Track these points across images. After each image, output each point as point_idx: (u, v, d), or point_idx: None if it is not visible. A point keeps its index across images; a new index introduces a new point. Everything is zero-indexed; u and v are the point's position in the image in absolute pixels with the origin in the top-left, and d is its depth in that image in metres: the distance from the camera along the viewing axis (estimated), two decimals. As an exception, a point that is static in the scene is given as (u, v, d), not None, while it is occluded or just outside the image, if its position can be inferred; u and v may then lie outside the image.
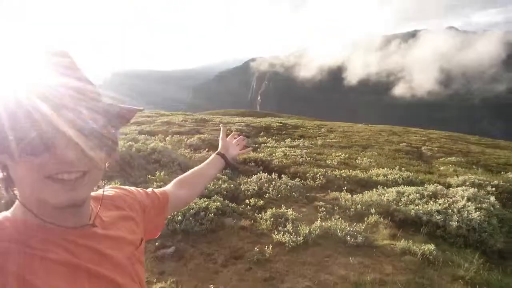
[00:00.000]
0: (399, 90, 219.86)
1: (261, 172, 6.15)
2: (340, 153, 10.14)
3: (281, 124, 18.26)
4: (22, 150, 0.53)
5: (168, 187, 1.06)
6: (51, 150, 0.54)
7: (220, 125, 1.51)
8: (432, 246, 3.49)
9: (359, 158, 9.82)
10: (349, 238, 3.65)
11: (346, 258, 3.36)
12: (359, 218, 4.47)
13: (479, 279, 3.00)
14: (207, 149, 8.68)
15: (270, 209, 4.34)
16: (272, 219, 4.10)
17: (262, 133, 14.28)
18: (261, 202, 4.81)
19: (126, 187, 0.88)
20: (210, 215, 3.98)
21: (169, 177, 5.15)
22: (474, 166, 9.87)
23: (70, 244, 0.62)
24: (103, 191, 0.77)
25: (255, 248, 3.45)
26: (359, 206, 4.82)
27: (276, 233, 3.75)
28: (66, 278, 0.59)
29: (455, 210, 4.50)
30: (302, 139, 13.62)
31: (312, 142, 12.89)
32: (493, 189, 6.03)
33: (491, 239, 4.10)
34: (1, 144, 0.53)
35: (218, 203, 4.32)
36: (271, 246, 3.44)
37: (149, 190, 0.94)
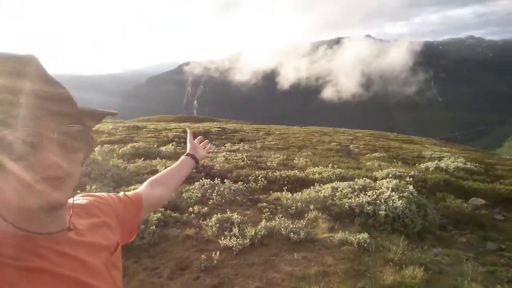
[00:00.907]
0: (328, 93, 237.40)
1: (203, 178, 6.06)
2: (278, 155, 10.52)
3: (220, 129, 18.24)
4: (9, 155, 0.53)
5: (141, 188, 1.08)
6: (37, 154, 0.55)
7: (187, 128, 1.56)
8: (365, 235, 3.84)
9: (296, 158, 10.31)
10: (292, 235, 3.82)
11: (291, 254, 3.50)
12: (300, 215, 4.70)
13: (405, 259, 3.39)
14: (143, 158, 8.22)
15: (215, 215, 4.30)
16: (217, 224, 4.06)
17: (201, 139, 14.07)
18: (205, 208, 4.74)
19: (98, 193, 0.88)
20: (151, 227, 3.79)
21: (101, 191, 4.75)
22: (394, 160, 11.12)
23: (46, 251, 0.61)
24: (73, 199, 0.76)
25: (202, 256, 3.39)
26: (299, 204, 5.07)
27: (222, 238, 3.73)
28: (44, 286, 0.58)
29: (382, 200, 5.03)
30: (242, 143, 13.79)
31: (252, 145, 13.15)
32: (411, 179, 6.89)
33: (412, 223, 4.68)
34: None
35: (159, 214, 4.13)
36: (218, 252, 3.41)
37: (121, 194, 0.95)
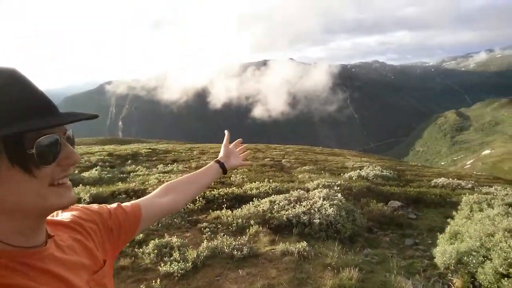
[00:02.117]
0: (258, 112, 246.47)
1: (135, 203, 5.65)
2: (214, 173, 10.42)
3: (150, 150, 17.32)
4: (36, 161, 0.55)
5: (151, 194, 1.03)
6: (59, 157, 0.59)
7: (225, 130, 1.32)
8: (304, 244, 4.01)
9: (232, 175, 10.35)
10: (236, 252, 3.79)
11: (236, 272, 3.46)
12: (242, 231, 4.70)
13: (341, 263, 3.63)
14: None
15: (152, 241, 4.03)
16: (155, 251, 3.81)
17: (129, 161, 13.16)
18: (141, 235, 4.41)
19: (88, 205, 0.84)
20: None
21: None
22: (322, 172, 11.95)
23: (23, 267, 0.59)
24: (56, 214, 0.76)
25: (141, 286, 3.12)
26: (240, 220, 5.07)
27: (162, 264, 3.50)
28: None
29: (316, 209, 5.34)
30: (175, 163, 13.31)
31: (186, 166, 12.78)
32: (338, 188, 7.48)
33: (343, 228, 5.06)
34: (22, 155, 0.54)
35: (88, 246, 3.70)
36: (158, 280, 3.19)
37: (115, 205, 0.90)
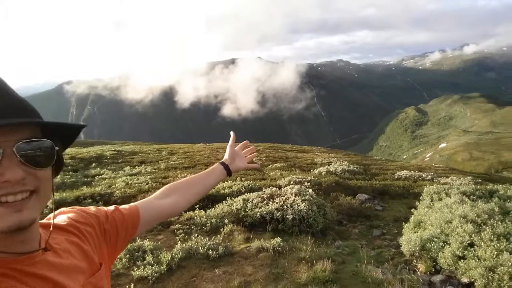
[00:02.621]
0: (228, 110, 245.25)
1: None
2: (185, 174, 10.26)
3: (115, 152, 16.65)
4: None
5: (152, 195, 1.00)
6: None
7: (231, 132, 1.26)
8: (279, 239, 4.08)
9: (204, 175, 10.24)
10: (211, 252, 3.76)
11: (212, 271, 3.44)
12: (216, 231, 4.68)
13: (315, 256, 3.74)
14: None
15: (122, 245, 3.88)
16: (127, 255, 3.69)
17: (93, 164, 12.58)
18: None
19: (85, 207, 0.82)
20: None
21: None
22: (293, 168, 12.18)
23: (18, 273, 0.57)
24: (53, 218, 0.72)
25: (113, 292, 3.01)
26: (213, 220, 5.04)
27: (135, 269, 3.40)
28: None
29: (289, 205, 5.44)
30: (143, 165, 12.91)
31: (155, 167, 12.45)
32: (309, 183, 7.68)
33: (315, 223, 5.20)
34: None
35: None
36: (132, 285, 3.09)
37: (112, 208, 0.88)
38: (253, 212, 5.35)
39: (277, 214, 5.22)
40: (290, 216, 5.14)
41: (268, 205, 5.51)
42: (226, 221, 5.00)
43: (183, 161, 14.62)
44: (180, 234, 4.54)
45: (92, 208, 0.84)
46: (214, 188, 7.57)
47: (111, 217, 0.85)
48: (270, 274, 3.34)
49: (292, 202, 5.54)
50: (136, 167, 12.34)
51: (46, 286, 0.60)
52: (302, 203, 5.43)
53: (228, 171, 1.17)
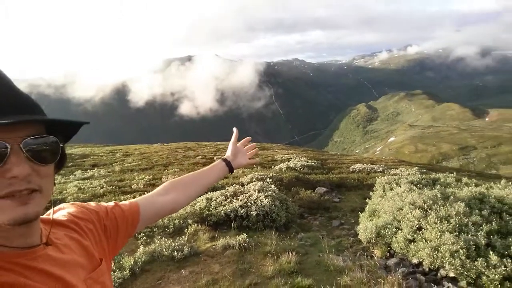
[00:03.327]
0: (185, 109, 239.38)
1: (54, 214, 5.04)
2: (143, 176, 9.91)
3: (65, 155, 15.50)
4: None
5: (153, 191, 1.00)
6: (2, 167, 0.53)
7: (234, 128, 1.24)
8: (244, 236, 4.13)
9: (164, 176, 9.96)
10: (176, 253, 3.70)
11: (178, 273, 3.39)
12: (180, 232, 4.60)
13: (279, 249, 3.85)
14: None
15: (79, 253, 3.66)
16: (85, 263, 3.48)
17: (41, 169, 11.62)
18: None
19: (86, 203, 0.82)
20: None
21: None
22: (254, 166, 12.31)
23: (19, 267, 0.58)
24: (52, 213, 0.73)
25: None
26: (176, 221, 4.94)
27: (95, 276, 3.22)
28: None
29: (252, 202, 5.51)
30: (96, 168, 12.21)
31: (109, 170, 11.83)
32: (271, 179, 7.83)
33: (278, 217, 5.33)
34: None
35: None
36: (92, 294, 2.93)
37: (112, 204, 0.88)
38: (217, 210, 5.34)
39: (242, 211, 5.26)
40: (254, 213, 5.21)
41: (232, 203, 5.54)
42: (190, 221, 4.93)
43: (139, 162, 14.05)
44: (142, 237, 4.38)
45: (92, 204, 0.84)
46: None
47: (111, 213, 0.85)
48: (237, 270, 3.37)
49: (256, 199, 5.62)
50: (88, 170, 11.63)
51: (47, 281, 0.61)
52: (265, 199, 5.53)
53: (230, 168, 1.18)
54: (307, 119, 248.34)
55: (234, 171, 1.20)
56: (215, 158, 15.61)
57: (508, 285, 2.84)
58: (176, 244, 3.90)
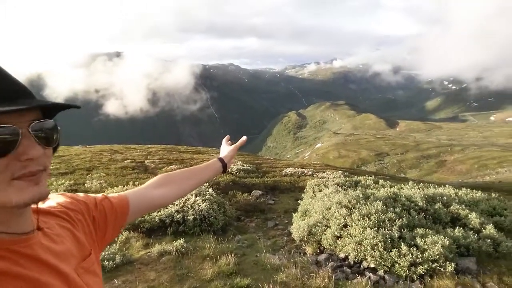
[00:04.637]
0: (112, 107, 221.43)
1: None
2: (63, 181, 8.96)
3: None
4: None
5: (145, 184, 1.00)
6: (16, 151, 0.55)
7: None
8: (181, 241, 4.03)
9: (87, 181, 9.13)
10: (107, 263, 3.44)
11: (110, 282, 3.15)
12: (110, 240, 4.28)
13: (218, 252, 3.86)
14: None
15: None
16: None
17: None
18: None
19: (75, 194, 0.82)
20: None
21: None
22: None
23: (13, 255, 0.58)
24: (42, 202, 0.73)
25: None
26: (105, 228, 4.58)
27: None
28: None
29: (189, 206, 5.41)
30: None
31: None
32: (207, 183, 7.76)
33: (216, 221, 5.33)
34: None
35: None
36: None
37: (100, 196, 0.87)
38: (150, 216, 5.10)
39: (178, 216, 5.13)
40: (191, 217, 5.12)
41: (167, 208, 5.35)
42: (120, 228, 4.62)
43: (58, 166, 12.57)
44: (65, 248, 3.96)
45: (80, 195, 0.83)
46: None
47: (100, 205, 0.83)
48: (175, 276, 3.28)
49: (193, 203, 5.53)
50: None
51: (41, 268, 0.61)
52: (203, 203, 5.49)
53: (224, 169, 1.21)
54: (242, 124, 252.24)
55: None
56: (146, 162, 14.82)
57: (413, 269, 3.34)
58: (107, 253, 3.63)
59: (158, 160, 15.36)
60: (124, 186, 7.64)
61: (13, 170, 0.56)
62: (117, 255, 3.59)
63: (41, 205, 0.73)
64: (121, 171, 12.02)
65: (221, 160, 1.22)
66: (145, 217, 5.09)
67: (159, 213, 5.17)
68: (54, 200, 0.78)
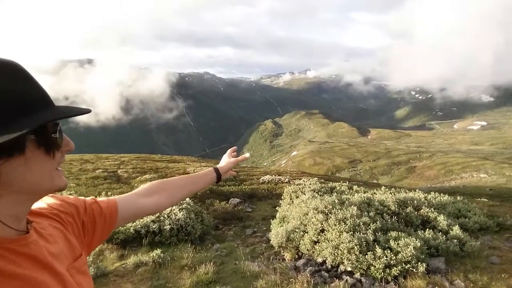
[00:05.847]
0: (82, 115, 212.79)
1: None
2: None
3: None
4: (57, 144, 0.62)
5: (136, 190, 1.00)
6: (62, 143, 0.64)
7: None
8: (158, 251, 3.94)
9: (57, 193, 8.69)
10: (79, 277, 3.28)
11: (82, 298, 3.01)
12: (82, 253, 4.10)
13: (196, 261, 3.80)
14: None
15: None
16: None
17: None
18: None
19: (65, 196, 0.83)
20: None
21: None
22: (164, 178, 11.81)
23: (9, 253, 0.59)
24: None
25: None
26: (77, 241, 4.38)
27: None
28: None
29: (166, 216, 5.30)
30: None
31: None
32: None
33: (194, 230, 5.25)
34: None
35: None
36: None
37: (90, 200, 0.88)
38: (125, 227, 4.94)
39: (154, 226, 5.00)
40: (168, 227, 5.02)
41: (142, 218, 5.21)
42: (93, 240, 4.44)
43: (24, 176, 11.91)
44: (32, 263, 3.75)
45: (71, 197, 0.84)
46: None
47: (89, 209, 0.84)
48: (152, 287, 3.19)
49: (170, 212, 5.43)
50: None
51: (37, 267, 0.62)
52: (180, 212, 5.40)
53: (218, 179, 1.20)
54: (218, 132, 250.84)
55: None
56: (119, 171, 14.34)
57: (388, 271, 3.46)
58: (78, 266, 3.47)
59: (131, 170, 14.92)
60: (96, 197, 7.36)
61: (59, 160, 0.64)
62: (90, 267, 3.44)
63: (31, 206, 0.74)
64: (93, 181, 11.57)
65: (216, 170, 1.21)
66: (119, 228, 4.92)
67: (134, 223, 5.02)
68: (44, 201, 0.78)
